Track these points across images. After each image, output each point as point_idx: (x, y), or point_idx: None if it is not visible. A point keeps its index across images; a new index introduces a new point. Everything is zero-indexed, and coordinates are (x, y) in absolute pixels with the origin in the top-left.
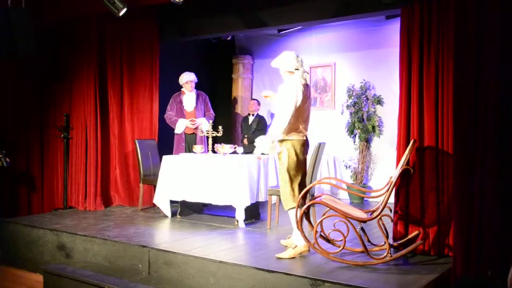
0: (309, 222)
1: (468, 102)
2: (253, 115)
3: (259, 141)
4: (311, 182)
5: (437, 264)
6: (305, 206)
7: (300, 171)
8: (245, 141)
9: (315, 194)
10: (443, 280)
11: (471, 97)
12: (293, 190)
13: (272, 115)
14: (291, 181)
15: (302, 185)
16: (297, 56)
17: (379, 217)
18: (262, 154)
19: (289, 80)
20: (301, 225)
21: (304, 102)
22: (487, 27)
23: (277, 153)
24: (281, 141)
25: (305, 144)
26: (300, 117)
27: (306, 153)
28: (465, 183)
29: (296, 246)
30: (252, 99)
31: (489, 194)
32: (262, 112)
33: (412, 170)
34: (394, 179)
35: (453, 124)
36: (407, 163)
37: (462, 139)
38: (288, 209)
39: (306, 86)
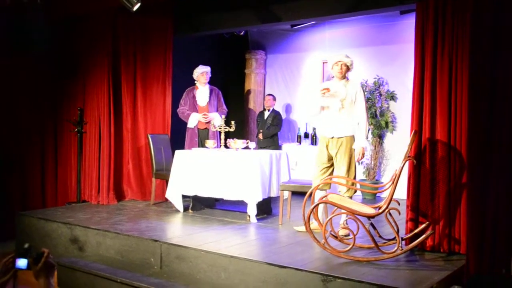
0: (319, 221)
1: (484, 97)
2: (268, 110)
3: (363, 144)
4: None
5: (449, 261)
6: (312, 206)
7: None
8: (260, 135)
9: (327, 191)
10: (455, 277)
11: (487, 92)
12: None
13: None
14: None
15: None
16: None
17: (386, 211)
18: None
19: (350, 79)
20: (309, 225)
21: None
22: (504, 21)
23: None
24: (350, 137)
25: None
26: None
27: None
28: (479, 180)
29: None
30: (268, 94)
31: (504, 192)
32: (278, 107)
33: (414, 161)
34: (398, 171)
35: (467, 120)
36: (417, 156)
37: (477, 136)
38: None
39: None
